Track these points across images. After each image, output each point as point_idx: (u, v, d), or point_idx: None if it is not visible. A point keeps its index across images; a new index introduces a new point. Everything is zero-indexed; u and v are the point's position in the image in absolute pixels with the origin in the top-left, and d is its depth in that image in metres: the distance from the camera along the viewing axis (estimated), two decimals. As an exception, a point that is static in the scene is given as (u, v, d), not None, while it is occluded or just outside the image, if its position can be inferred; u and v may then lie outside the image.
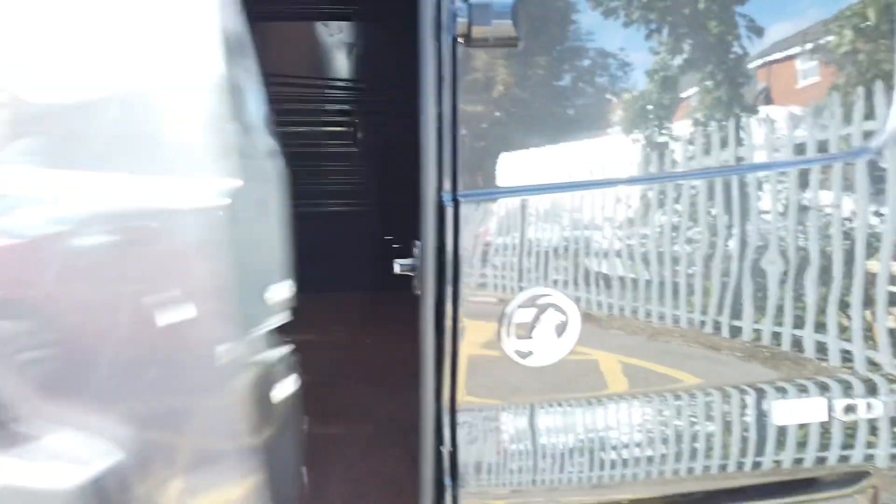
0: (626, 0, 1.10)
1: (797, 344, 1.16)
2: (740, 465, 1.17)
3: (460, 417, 1.10)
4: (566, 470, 1.14)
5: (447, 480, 1.10)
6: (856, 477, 1.21)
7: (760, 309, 1.14)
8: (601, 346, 1.13)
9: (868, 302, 1.17)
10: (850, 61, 1.16)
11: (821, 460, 1.19)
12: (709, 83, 1.13)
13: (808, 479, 1.21)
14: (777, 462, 1.18)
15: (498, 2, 1.03)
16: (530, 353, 1.09)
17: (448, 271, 1.07)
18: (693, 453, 1.16)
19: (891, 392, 1.19)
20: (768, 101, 1.15)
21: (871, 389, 1.19)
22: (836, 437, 1.19)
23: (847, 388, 1.19)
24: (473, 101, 1.07)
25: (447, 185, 1.06)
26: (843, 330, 1.17)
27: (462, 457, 1.11)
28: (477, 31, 1.04)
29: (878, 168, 1.15)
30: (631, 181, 1.12)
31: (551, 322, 1.09)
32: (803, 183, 1.14)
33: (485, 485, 1.12)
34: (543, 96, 1.11)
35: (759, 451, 1.17)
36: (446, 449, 1.10)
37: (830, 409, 1.18)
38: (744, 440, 1.17)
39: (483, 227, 1.08)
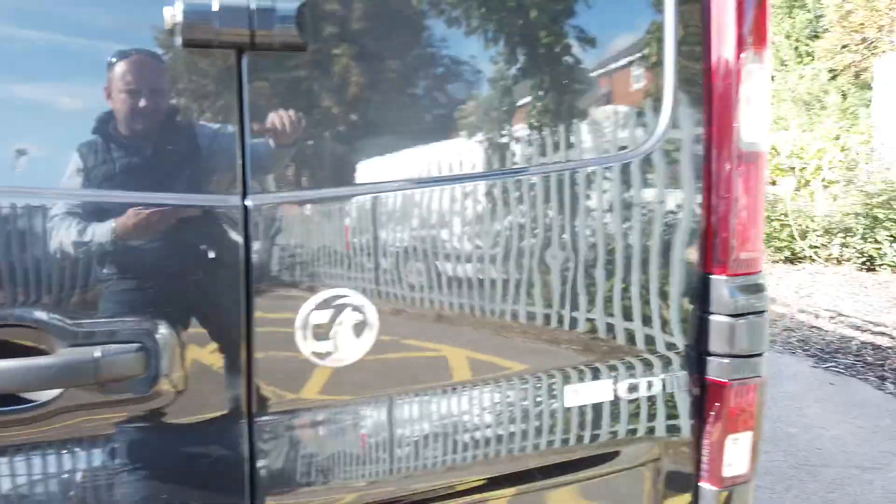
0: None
1: (588, 329, 1.26)
2: (524, 448, 1.24)
3: (258, 424, 1.08)
4: (371, 468, 1.15)
5: (246, 495, 1.08)
6: (641, 450, 1.32)
7: (553, 298, 1.22)
8: (401, 343, 1.16)
9: (647, 288, 1.28)
10: (636, 78, 1.28)
11: (611, 435, 1.28)
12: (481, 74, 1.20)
13: (602, 454, 1.30)
14: (578, 438, 1.26)
15: (282, 6, 1.04)
16: (329, 353, 1.10)
17: (241, 276, 1.05)
18: (477, 441, 1.22)
19: (666, 370, 1.31)
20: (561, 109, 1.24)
21: (650, 369, 1.31)
22: (623, 414, 1.29)
23: (630, 369, 1.30)
24: (262, 105, 1.07)
25: (237, 188, 1.05)
26: (628, 315, 1.28)
27: (261, 464, 1.09)
28: (260, 35, 1.03)
29: (649, 165, 1.27)
30: (421, 182, 1.16)
31: (349, 322, 1.11)
32: (590, 183, 1.24)
33: (285, 492, 1.11)
34: (334, 99, 1.12)
35: (554, 431, 1.25)
36: (245, 458, 1.07)
37: (616, 389, 1.28)
38: (535, 423, 1.24)
39: (274, 229, 1.08)
